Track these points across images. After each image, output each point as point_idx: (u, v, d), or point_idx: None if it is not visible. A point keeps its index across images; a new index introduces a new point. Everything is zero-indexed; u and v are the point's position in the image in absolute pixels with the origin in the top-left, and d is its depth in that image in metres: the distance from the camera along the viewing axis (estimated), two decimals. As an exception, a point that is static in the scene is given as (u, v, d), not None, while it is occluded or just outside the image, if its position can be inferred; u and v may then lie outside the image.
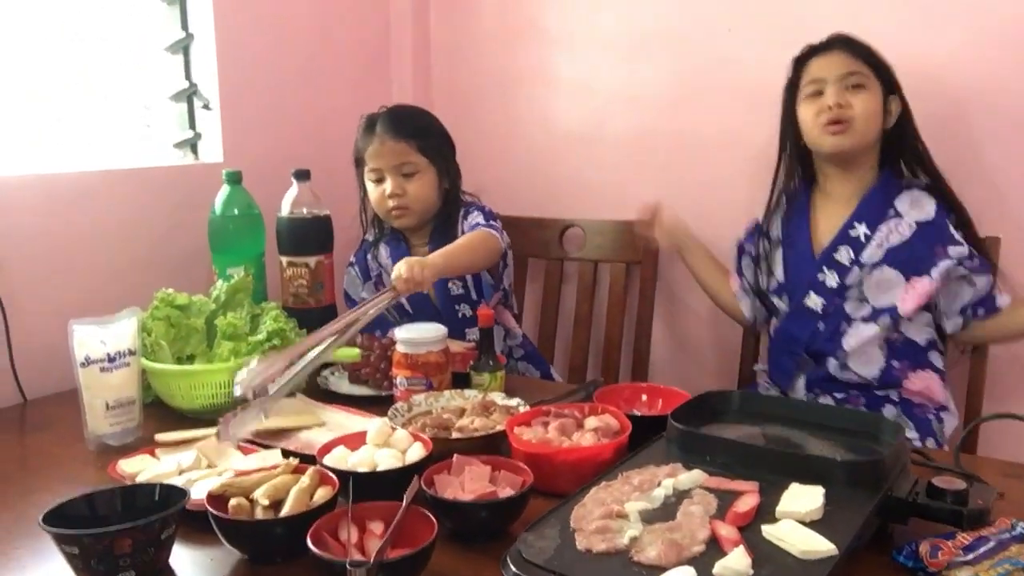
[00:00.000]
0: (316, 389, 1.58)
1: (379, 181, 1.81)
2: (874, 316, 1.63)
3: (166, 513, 0.97)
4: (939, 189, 1.64)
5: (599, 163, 2.21)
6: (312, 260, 1.74)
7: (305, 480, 1.05)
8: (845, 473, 0.99)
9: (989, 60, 1.69)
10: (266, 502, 1.02)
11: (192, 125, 2.01)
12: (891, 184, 1.66)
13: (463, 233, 1.80)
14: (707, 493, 0.97)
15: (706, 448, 1.08)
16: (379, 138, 1.78)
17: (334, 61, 2.24)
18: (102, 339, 1.37)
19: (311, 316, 1.71)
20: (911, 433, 1.59)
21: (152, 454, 1.28)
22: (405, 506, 0.98)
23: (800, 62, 1.69)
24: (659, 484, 0.99)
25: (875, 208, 1.64)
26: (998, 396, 1.74)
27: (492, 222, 1.82)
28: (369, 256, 1.91)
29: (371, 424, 1.35)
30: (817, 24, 1.70)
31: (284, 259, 1.76)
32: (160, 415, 1.50)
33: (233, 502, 1.01)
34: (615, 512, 0.92)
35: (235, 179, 1.76)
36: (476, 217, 1.83)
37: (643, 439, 1.19)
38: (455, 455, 1.12)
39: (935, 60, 1.74)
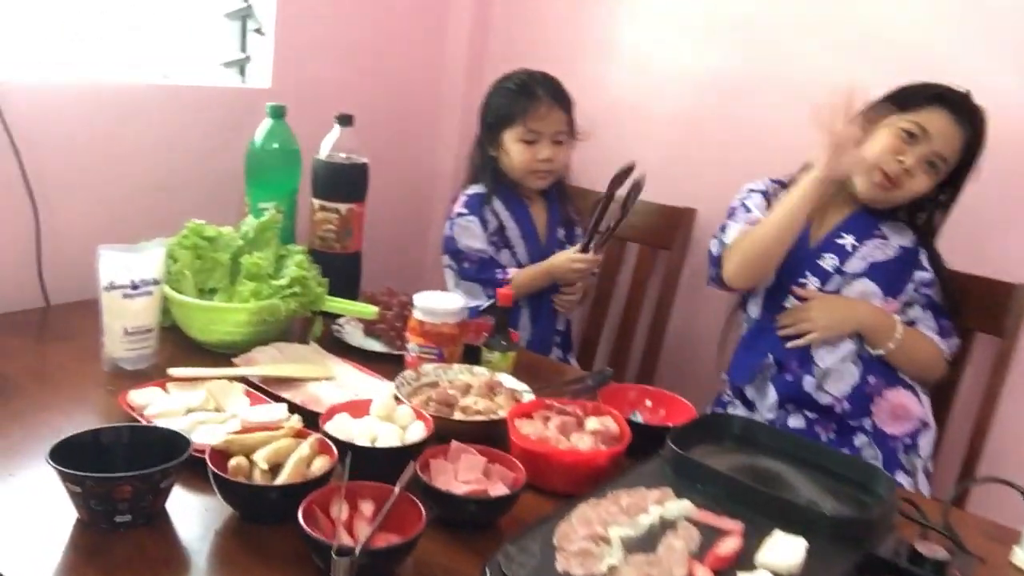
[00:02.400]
0: (330, 338, 1.60)
1: (531, 143, 1.87)
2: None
3: (167, 466, 1.00)
4: (920, 226, 1.66)
5: (646, 141, 2.17)
6: (343, 207, 1.74)
7: (305, 448, 1.07)
8: (831, 527, 1.00)
9: None
10: (265, 466, 1.04)
11: (243, 48, 1.99)
12: (878, 211, 1.67)
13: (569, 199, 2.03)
14: (691, 527, 0.99)
15: (699, 476, 1.09)
16: (545, 104, 1.86)
17: (394, 8, 2.21)
18: (128, 266, 1.39)
19: (336, 261, 1.73)
20: (879, 464, 1.60)
21: (163, 387, 1.31)
22: (397, 492, 1.01)
23: (929, 96, 1.57)
24: (646, 510, 1.01)
25: (864, 224, 1.65)
26: (997, 449, 1.73)
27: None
28: (487, 208, 1.92)
29: (377, 391, 1.38)
30: (890, 38, 1.65)
31: (316, 202, 1.76)
32: (176, 343, 1.53)
33: (233, 462, 1.04)
34: (598, 536, 0.94)
35: (279, 113, 1.76)
36: None
37: (641, 448, 1.21)
38: (453, 441, 1.14)
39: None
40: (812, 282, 1.65)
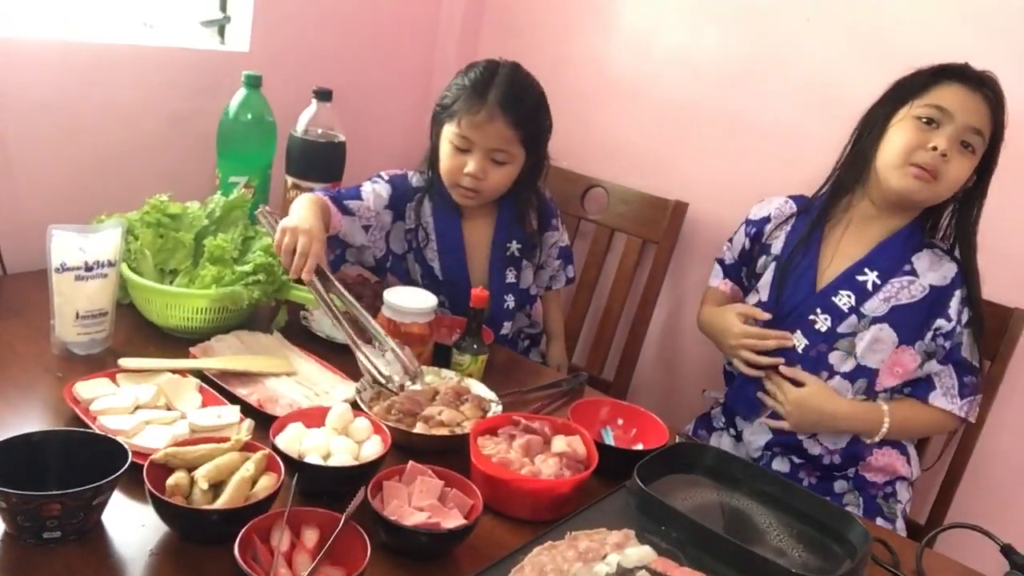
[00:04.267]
0: (296, 327, 1.53)
1: (462, 152, 1.57)
2: (854, 375, 1.52)
3: (99, 484, 0.94)
4: (963, 257, 1.51)
5: (641, 125, 2.09)
6: (318, 187, 1.67)
7: (250, 467, 1.02)
8: (796, 585, 0.95)
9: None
10: (205, 486, 0.99)
11: (223, 7, 1.89)
12: (915, 237, 1.52)
13: (534, 226, 1.74)
14: (650, 579, 0.94)
15: (664, 517, 1.04)
16: (488, 112, 1.52)
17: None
18: (81, 247, 1.32)
19: (307, 242, 1.65)
20: (857, 511, 1.54)
21: (112, 379, 1.25)
22: (342, 523, 0.95)
23: (930, 76, 1.44)
24: (604, 557, 0.96)
25: (892, 258, 1.51)
26: (980, 472, 1.69)
27: (571, 272, 1.89)
28: (411, 204, 1.68)
29: (338, 392, 1.33)
30: (903, 35, 1.56)
31: (290, 179, 1.68)
32: (133, 324, 1.47)
33: (171, 480, 0.98)
34: (550, 588, 0.89)
35: (254, 83, 1.67)
36: (562, 268, 1.86)
37: (609, 470, 1.16)
38: (410, 462, 1.09)
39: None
40: (822, 321, 1.51)
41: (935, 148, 1.40)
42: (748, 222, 1.69)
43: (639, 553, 0.98)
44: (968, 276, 1.50)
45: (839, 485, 1.57)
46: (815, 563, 1.04)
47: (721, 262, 1.75)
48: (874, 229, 1.54)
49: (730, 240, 1.73)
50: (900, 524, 1.57)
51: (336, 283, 1.38)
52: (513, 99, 1.54)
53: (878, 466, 1.56)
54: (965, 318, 1.50)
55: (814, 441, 1.56)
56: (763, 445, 1.60)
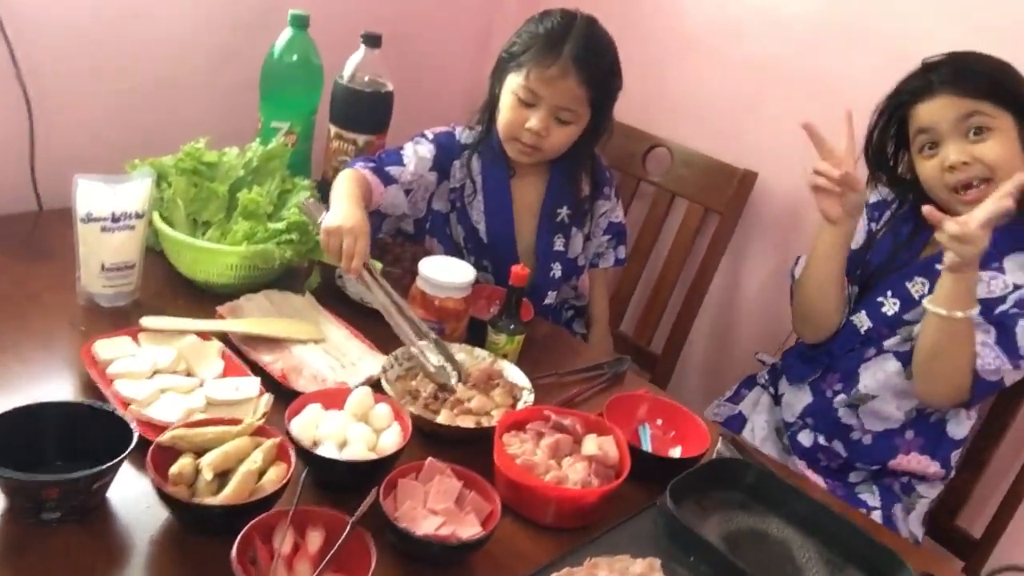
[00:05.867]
0: (329, 288, 1.47)
1: (527, 106, 1.47)
2: (903, 355, 1.41)
3: (99, 469, 0.90)
4: None
5: (714, 83, 1.94)
6: (361, 138, 1.58)
7: (257, 458, 0.96)
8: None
9: None
10: (210, 476, 0.94)
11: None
12: (1016, 236, 1.36)
13: (586, 192, 1.65)
14: (671, 621, 0.87)
15: (694, 547, 0.96)
16: (561, 67, 1.42)
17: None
18: (108, 197, 1.27)
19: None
20: (874, 502, 1.45)
21: (135, 337, 1.21)
22: (348, 528, 0.90)
23: (901, 108, 1.38)
24: (624, 591, 0.89)
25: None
26: None
27: (621, 254, 1.79)
28: (458, 161, 1.59)
29: (366, 366, 1.27)
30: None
31: (332, 128, 1.60)
32: (163, 275, 1.43)
33: (175, 469, 0.94)
34: (561, 626, 0.82)
35: (301, 23, 1.57)
36: (611, 247, 1.77)
37: (642, 474, 1.09)
38: (428, 459, 1.03)
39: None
40: (891, 304, 1.41)
41: (952, 168, 1.31)
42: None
43: (662, 589, 0.90)
44: None
45: (855, 475, 1.49)
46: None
47: None
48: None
49: None
50: (918, 517, 1.47)
51: (384, 282, 1.30)
52: (589, 56, 1.44)
53: (904, 467, 1.46)
54: None
55: (852, 414, 1.46)
56: (799, 412, 1.52)
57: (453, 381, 1.24)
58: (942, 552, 1.58)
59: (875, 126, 1.44)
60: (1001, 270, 1.36)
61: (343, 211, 1.31)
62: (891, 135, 1.44)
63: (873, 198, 1.54)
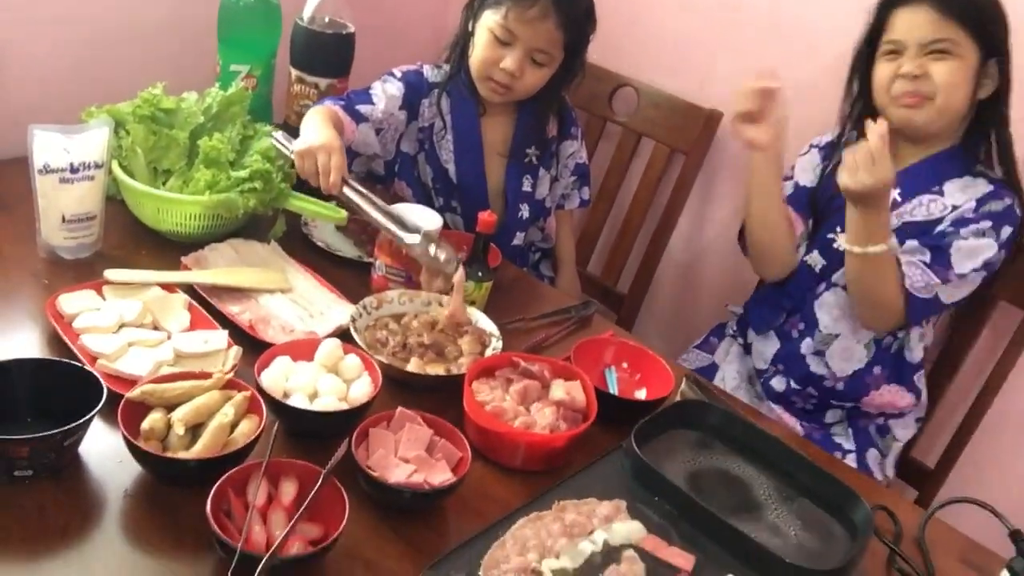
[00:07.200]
0: (296, 234, 1.46)
1: (502, 44, 1.46)
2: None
3: (69, 427, 0.90)
4: (1010, 187, 1.40)
5: (680, 20, 1.91)
6: (323, 82, 1.55)
7: (229, 412, 0.97)
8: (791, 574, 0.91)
9: None
10: (181, 431, 0.95)
11: None
12: (955, 163, 1.41)
13: (554, 133, 1.66)
14: (637, 560, 0.90)
15: (659, 488, 0.99)
16: (542, 9, 1.42)
17: None
18: (66, 148, 1.24)
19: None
20: (849, 445, 1.51)
21: (99, 291, 1.20)
22: (322, 479, 0.92)
23: (884, 8, 1.41)
24: (591, 533, 0.91)
25: (921, 180, 1.43)
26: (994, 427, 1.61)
27: (585, 194, 1.79)
28: (427, 100, 1.58)
29: (334, 315, 1.27)
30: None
31: (294, 72, 1.57)
32: (125, 225, 1.41)
33: (146, 424, 0.94)
34: (530, 569, 0.85)
35: (257, -38, 1.53)
36: (576, 188, 1.77)
37: (608, 417, 1.11)
38: (399, 409, 1.04)
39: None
40: (841, 238, 1.42)
41: (907, 73, 1.35)
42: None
43: (627, 529, 0.93)
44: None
45: (831, 415, 1.54)
46: (812, 545, 0.99)
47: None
48: (907, 153, 1.45)
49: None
50: (892, 460, 1.54)
51: (368, 192, 1.30)
52: (572, 3, 1.45)
53: (879, 403, 1.51)
54: (1005, 236, 1.37)
55: (821, 362, 1.50)
56: (770, 359, 1.57)
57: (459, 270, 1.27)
58: (898, 483, 1.64)
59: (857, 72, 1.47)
60: (940, 193, 1.42)
61: (313, 133, 1.31)
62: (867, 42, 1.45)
63: (826, 139, 1.56)
